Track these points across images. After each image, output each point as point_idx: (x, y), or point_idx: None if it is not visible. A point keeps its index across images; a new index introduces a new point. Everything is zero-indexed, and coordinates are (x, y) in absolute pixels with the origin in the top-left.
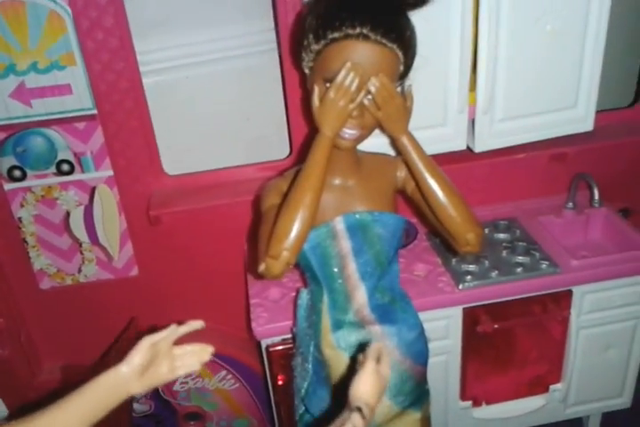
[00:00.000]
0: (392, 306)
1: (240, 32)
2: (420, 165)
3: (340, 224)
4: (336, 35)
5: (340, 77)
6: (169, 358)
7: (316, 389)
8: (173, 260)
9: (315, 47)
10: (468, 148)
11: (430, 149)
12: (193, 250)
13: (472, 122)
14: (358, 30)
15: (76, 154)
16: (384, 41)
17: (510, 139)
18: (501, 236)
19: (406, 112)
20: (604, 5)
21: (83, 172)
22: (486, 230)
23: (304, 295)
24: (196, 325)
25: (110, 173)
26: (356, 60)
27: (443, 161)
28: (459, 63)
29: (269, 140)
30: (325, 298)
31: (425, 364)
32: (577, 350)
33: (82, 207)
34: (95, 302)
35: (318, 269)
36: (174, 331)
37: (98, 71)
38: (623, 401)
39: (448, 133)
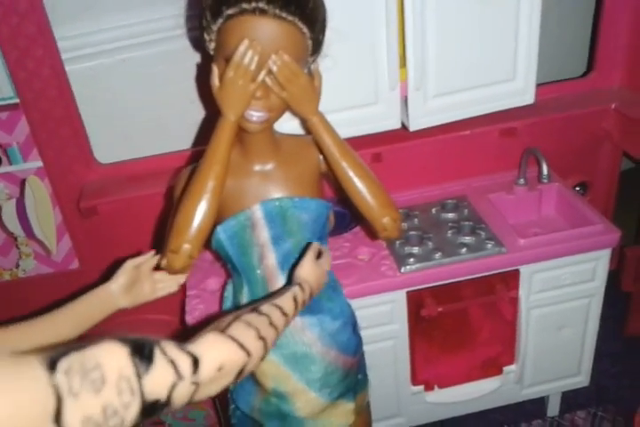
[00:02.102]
0: (317, 295)
1: (178, 11)
2: (331, 147)
3: (258, 212)
4: (231, 11)
5: (237, 55)
6: (150, 280)
7: (243, 383)
8: (114, 250)
9: (213, 26)
10: (404, 126)
11: (363, 129)
12: (133, 239)
13: (405, 99)
14: (254, 4)
15: (1, 145)
16: (283, 14)
17: (446, 115)
18: (449, 215)
19: (314, 92)
20: None
21: (10, 164)
22: (433, 210)
23: (229, 287)
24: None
25: (39, 163)
26: (255, 36)
27: (383, 141)
28: (385, 37)
29: (212, 122)
30: (245, 289)
31: (354, 354)
32: (529, 330)
33: (13, 200)
34: (37, 297)
35: (237, 260)
36: (152, 257)
37: (16, 58)
38: (581, 379)
39: (381, 112)
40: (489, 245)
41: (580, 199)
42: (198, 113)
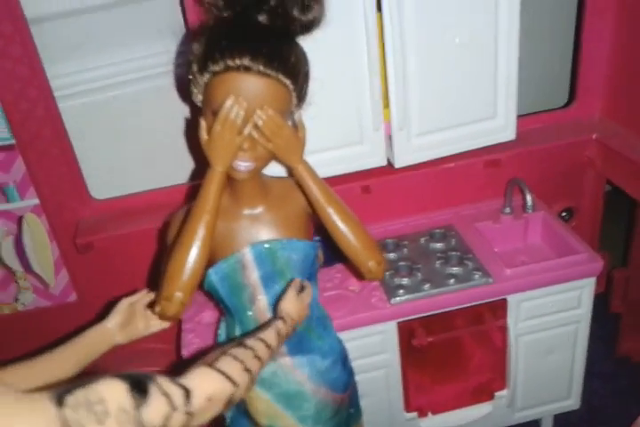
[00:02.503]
0: (307, 334)
1: (165, 48)
2: (316, 194)
3: (248, 254)
4: (217, 67)
5: (223, 110)
6: (144, 316)
7: (238, 419)
8: (111, 283)
9: (200, 80)
10: (390, 163)
11: (350, 167)
12: (129, 273)
13: (390, 138)
14: (238, 62)
15: None
16: (267, 71)
17: (430, 153)
18: (437, 246)
19: (298, 142)
20: (512, 12)
21: (7, 201)
22: (422, 240)
23: (222, 325)
24: None
25: (36, 201)
26: (240, 92)
27: (371, 175)
28: (368, 81)
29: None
30: (237, 329)
31: (345, 390)
32: (518, 356)
33: (11, 237)
34: (35, 330)
35: (229, 301)
36: (147, 294)
37: (10, 101)
38: (572, 403)
39: (366, 151)
40: (476, 276)
41: (564, 227)
42: (182, 148)
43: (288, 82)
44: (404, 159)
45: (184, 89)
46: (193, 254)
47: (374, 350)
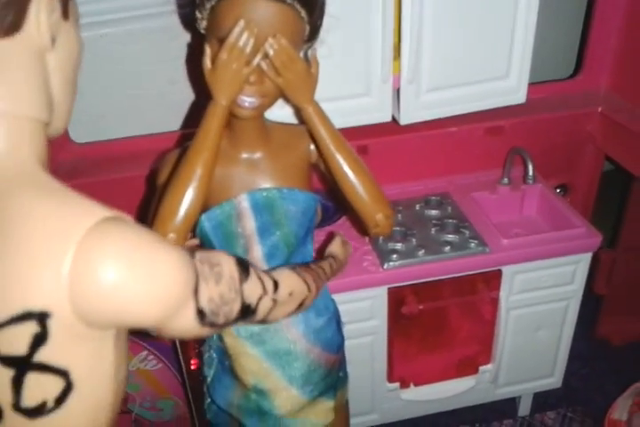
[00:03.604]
0: None
1: None
2: (326, 140)
3: (244, 202)
4: None
5: (232, 36)
6: None
7: (221, 377)
8: None
9: (207, 4)
10: (394, 119)
11: (352, 121)
12: None
13: (397, 92)
14: None
15: None
16: None
17: (438, 111)
18: (432, 212)
19: (311, 79)
20: None
21: None
22: (417, 206)
23: None
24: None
25: None
26: (252, 17)
27: (370, 133)
28: (381, 28)
29: (198, 105)
30: None
31: (337, 351)
32: (507, 330)
33: None
34: None
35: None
36: None
37: None
38: (554, 381)
39: (372, 104)
40: (472, 244)
41: (562, 201)
42: (178, 94)
43: (304, 12)
44: (410, 115)
45: (178, 32)
46: (189, 194)
47: (363, 316)
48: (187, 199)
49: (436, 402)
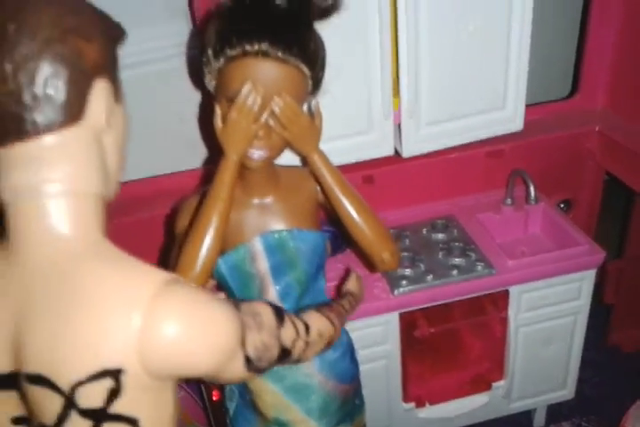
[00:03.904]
0: None
1: (166, 32)
2: (331, 184)
3: (258, 244)
4: (234, 52)
5: (240, 98)
6: None
7: (243, 411)
8: None
9: (215, 65)
10: (397, 152)
11: (357, 156)
12: None
13: (398, 127)
14: (257, 47)
15: None
16: (285, 57)
17: (438, 143)
18: (439, 236)
19: (315, 130)
20: (526, 2)
21: None
22: (424, 230)
23: None
24: None
25: None
26: (258, 78)
27: (374, 164)
28: (380, 68)
29: (208, 142)
30: None
31: (351, 381)
32: (517, 347)
33: None
34: None
35: (238, 292)
36: None
37: None
38: (567, 393)
39: (374, 140)
40: (479, 267)
41: (565, 219)
42: (188, 132)
43: (306, 69)
44: (412, 148)
45: (190, 74)
46: (206, 244)
47: (375, 341)
48: (204, 249)
49: (451, 419)
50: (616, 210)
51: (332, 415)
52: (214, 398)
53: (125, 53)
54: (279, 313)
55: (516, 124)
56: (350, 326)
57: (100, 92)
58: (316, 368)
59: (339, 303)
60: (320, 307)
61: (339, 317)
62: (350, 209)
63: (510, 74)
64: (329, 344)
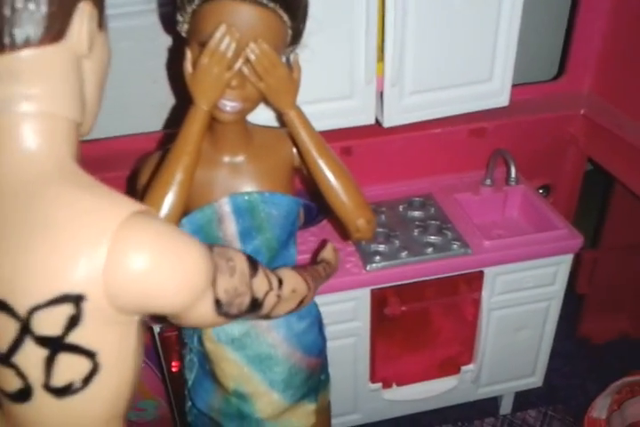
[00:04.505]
0: None
1: None
2: (308, 144)
3: (226, 206)
4: None
5: (213, 41)
6: None
7: (202, 381)
8: None
9: (188, 8)
10: (378, 122)
11: (336, 123)
12: None
13: (381, 95)
14: None
15: None
16: (264, 1)
17: (421, 113)
18: (415, 214)
19: (293, 84)
20: None
21: None
22: (400, 208)
23: None
24: None
25: None
26: (233, 21)
27: (353, 135)
28: (365, 30)
29: (180, 105)
30: None
31: (319, 355)
32: (488, 331)
33: None
34: None
35: None
36: None
37: None
38: (535, 380)
39: (355, 106)
40: (455, 246)
41: (544, 203)
42: (161, 94)
43: (286, 16)
44: (393, 118)
45: (159, 30)
46: (169, 200)
47: (346, 317)
48: (167, 204)
49: (418, 402)
50: (593, 202)
51: (296, 389)
52: (173, 370)
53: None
54: (253, 262)
55: (502, 99)
56: (320, 301)
57: (84, 14)
58: (281, 338)
59: (314, 268)
60: (295, 267)
61: (313, 279)
62: (327, 172)
63: (499, 46)
64: (301, 304)
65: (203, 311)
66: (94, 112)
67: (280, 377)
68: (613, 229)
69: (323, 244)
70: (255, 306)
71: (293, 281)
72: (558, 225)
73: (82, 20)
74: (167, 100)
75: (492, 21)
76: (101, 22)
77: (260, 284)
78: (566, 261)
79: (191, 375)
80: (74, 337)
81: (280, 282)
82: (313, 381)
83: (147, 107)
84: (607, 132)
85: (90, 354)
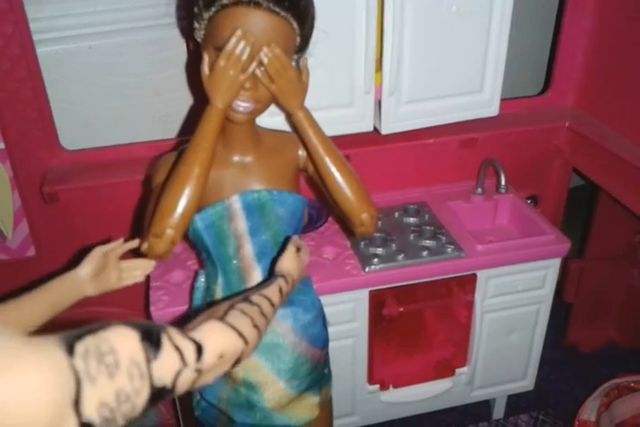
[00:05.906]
0: None
1: (147, 3)
2: (315, 143)
3: (236, 203)
4: (226, 1)
5: (229, 45)
6: (117, 269)
7: None
8: (72, 239)
9: (205, 14)
10: (376, 129)
11: (336, 130)
12: (92, 229)
13: (379, 103)
14: None
15: None
16: (276, 9)
17: (417, 121)
18: (410, 220)
19: (301, 86)
20: None
21: None
22: (396, 214)
23: (201, 277)
24: (135, 243)
25: (1, 145)
26: (248, 27)
27: (352, 143)
28: (364, 42)
29: (181, 117)
30: (220, 279)
31: (323, 348)
32: (482, 333)
33: None
34: None
35: (213, 250)
36: (121, 245)
37: None
38: (527, 384)
39: (355, 114)
40: (449, 249)
41: (532, 210)
42: (163, 106)
43: (295, 24)
44: (391, 126)
45: (161, 46)
46: (187, 192)
47: (345, 318)
48: (185, 197)
49: (414, 404)
50: (578, 217)
51: (301, 379)
52: None
53: (104, 20)
54: (151, 338)
55: (492, 109)
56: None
57: None
58: (289, 328)
59: (264, 295)
60: (233, 305)
61: (257, 320)
62: (333, 168)
63: (489, 59)
64: (237, 362)
65: None
66: None
67: (287, 366)
68: (599, 239)
69: (286, 241)
70: (161, 395)
71: (221, 341)
72: (547, 230)
73: None
74: (169, 111)
75: (482, 36)
76: None
77: (166, 365)
78: (554, 265)
79: None
80: None
81: (199, 350)
82: (317, 373)
83: (149, 118)
84: (591, 142)
85: None
